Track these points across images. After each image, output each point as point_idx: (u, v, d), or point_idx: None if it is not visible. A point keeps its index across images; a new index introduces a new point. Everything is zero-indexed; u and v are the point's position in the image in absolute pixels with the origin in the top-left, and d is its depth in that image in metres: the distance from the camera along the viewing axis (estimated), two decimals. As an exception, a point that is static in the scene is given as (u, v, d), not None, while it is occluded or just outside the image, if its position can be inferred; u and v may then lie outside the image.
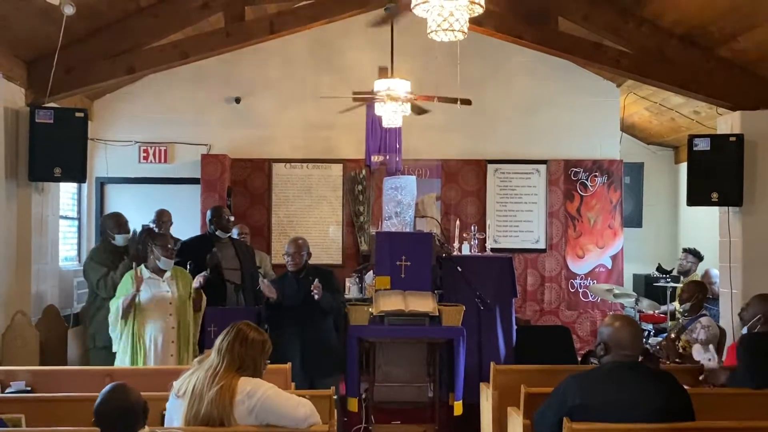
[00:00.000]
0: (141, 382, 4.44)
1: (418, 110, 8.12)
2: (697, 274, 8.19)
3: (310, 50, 9.31)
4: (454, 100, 7.45)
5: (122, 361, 5.51)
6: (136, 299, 5.47)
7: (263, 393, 3.50)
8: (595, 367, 3.89)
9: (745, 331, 5.16)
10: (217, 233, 6.95)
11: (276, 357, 5.54)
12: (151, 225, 7.12)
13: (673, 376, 3.62)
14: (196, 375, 3.55)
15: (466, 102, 7.63)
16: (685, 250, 8.44)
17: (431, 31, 4.21)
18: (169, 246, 5.73)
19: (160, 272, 5.68)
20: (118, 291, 5.62)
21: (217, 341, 3.63)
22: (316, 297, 5.77)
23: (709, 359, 4.90)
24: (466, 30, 4.20)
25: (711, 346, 4.97)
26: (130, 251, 6.42)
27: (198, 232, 8.43)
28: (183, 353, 5.60)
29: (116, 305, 5.50)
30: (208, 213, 7.15)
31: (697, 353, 4.97)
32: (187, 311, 5.69)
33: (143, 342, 5.50)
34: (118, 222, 6.62)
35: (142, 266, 5.70)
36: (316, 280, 5.79)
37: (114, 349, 5.60)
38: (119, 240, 6.53)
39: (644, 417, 3.39)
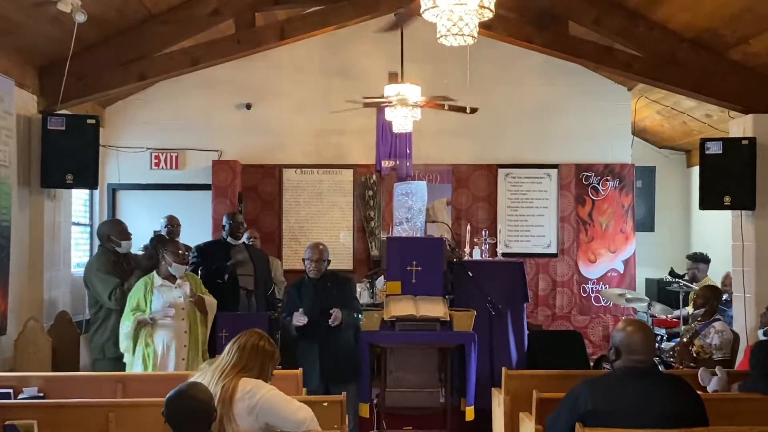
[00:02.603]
0: (153, 388, 4.49)
1: (471, 111, 7.93)
2: (709, 278, 8.13)
3: (321, 56, 9.32)
4: (463, 109, 7.43)
5: (134, 367, 5.54)
6: (148, 310, 5.56)
7: (264, 393, 3.56)
8: (607, 373, 3.88)
9: (761, 335, 5.13)
10: (228, 239, 7.01)
11: (294, 362, 5.60)
12: (163, 230, 7.15)
13: (686, 381, 3.59)
14: (202, 377, 3.60)
15: (474, 110, 7.60)
16: (689, 258, 8.39)
17: (441, 36, 4.20)
18: (180, 252, 5.75)
19: (171, 278, 5.72)
20: (130, 299, 5.65)
21: (230, 343, 3.72)
22: (333, 324, 5.66)
23: (709, 383, 4.85)
24: (475, 34, 4.20)
25: (719, 370, 4.90)
26: (141, 263, 6.34)
27: (209, 238, 8.46)
28: (194, 357, 5.64)
29: (130, 319, 5.53)
30: (223, 218, 7.24)
31: (703, 377, 4.92)
32: (197, 315, 5.74)
33: (153, 348, 5.53)
34: (122, 229, 6.45)
35: (154, 273, 5.73)
36: (335, 310, 5.65)
37: (126, 360, 5.63)
38: (125, 247, 6.43)
39: (657, 422, 3.36)
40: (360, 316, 5.97)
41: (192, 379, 3.62)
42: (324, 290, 5.84)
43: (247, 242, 7.44)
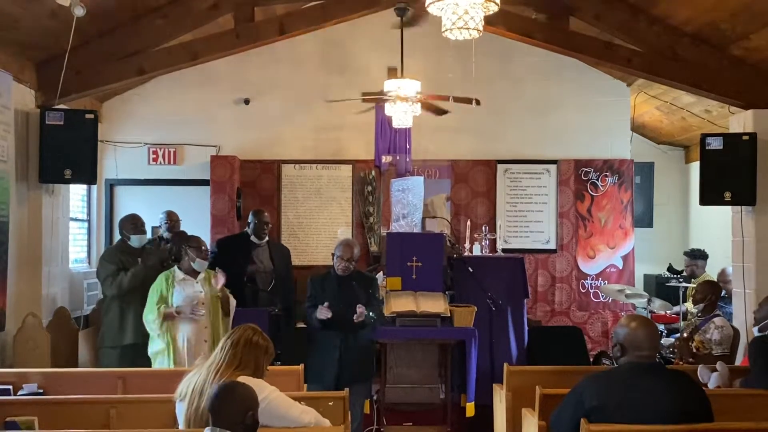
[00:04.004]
0: (153, 384, 4.48)
1: (437, 111, 8.04)
2: (707, 274, 8.14)
3: (320, 51, 9.29)
4: (469, 101, 7.42)
5: (161, 362, 5.57)
6: (170, 302, 5.61)
7: (268, 395, 3.54)
8: (612, 368, 3.87)
9: (756, 332, 5.12)
10: (252, 237, 7.06)
11: (314, 358, 5.60)
12: (162, 226, 7.15)
13: (691, 377, 3.59)
14: (197, 375, 3.57)
15: (477, 102, 7.61)
16: (687, 254, 8.39)
17: (446, 30, 4.17)
18: (203, 248, 5.80)
19: (193, 273, 5.74)
20: (152, 292, 5.67)
21: (222, 339, 3.69)
22: (357, 320, 5.68)
23: (708, 380, 4.84)
24: (481, 28, 4.17)
25: (720, 366, 4.88)
26: (148, 261, 6.39)
27: (208, 234, 8.45)
28: None
29: (154, 313, 5.57)
30: (249, 215, 7.37)
31: (702, 374, 4.91)
32: (218, 311, 5.77)
33: (176, 343, 5.57)
34: (135, 223, 6.61)
35: (175, 267, 5.75)
36: (359, 307, 5.67)
37: (151, 351, 5.68)
38: (134, 241, 6.52)
39: (662, 418, 3.36)
40: (374, 317, 5.93)
41: (184, 380, 3.60)
42: (348, 287, 5.81)
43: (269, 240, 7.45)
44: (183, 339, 5.58)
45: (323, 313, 5.65)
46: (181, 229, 7.18)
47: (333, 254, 5.93)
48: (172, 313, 5.58)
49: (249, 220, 7.30)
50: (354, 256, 5.86)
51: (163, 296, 5.63)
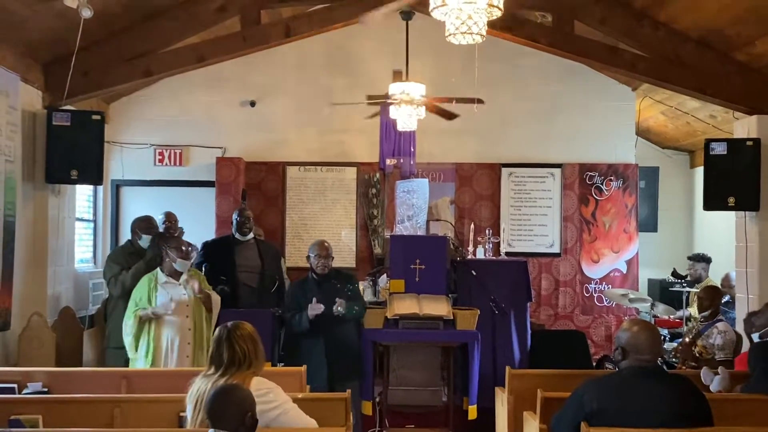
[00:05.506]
0: (157, 384, 4.50)
1: (448, 115, 8.05)
2: (711, 279, 8.14)
3: (325, 54, 9.31)
4: (471, 101, 7.44)
5: (141, 362, 5.56)
6: (153, 303, 5.57)
7: (283, 405, 3.57)
8: (613, 372, 3.88)
9: (756, 338, 5.13)
10: (236, 235, 7.07)
11: (298, 360, 5.63)
12: (161, 227, 7.17)
13: (693, 381, 3.60)
14: (205, 384, 3.54)
15: (480, 102, 7.62)
16: (690, 258, 8.39)
17: (449, 35, 4.18)
18: (184, 248, 5.77)
19: (176, 275, 5.72)
20: (134, 295, 5.68)
21: (219, 353, 3.57)
22: (338, 313, 5.77)
23: (711, 382, 4.85)
24: (484, 33, 4.19)
25: (721, 370, 4.89)
26: (146, 257, 6.45)
27: (213, 235, 8.47)
28: (198, 354, 5.64)
29: (132, 318, 5.55)
30: (233, 214, 7.30)
31: (705, 377, 4.92)
32: (202, 312, 5.75)
33: (160, 344, 5.56)
34: (149, 224, 6.70)
35: (158, 270, 5.74)
36: (338, 299, 5.77)
37: (129, 356, 5.66)
38: (144, 241, 6.59)
39: (662, 422, 3.37)
40: (357, 309, 5.99)
41: (196, 382, 3.60)
42: (328, 288, 5.89)
43: (257, 237, 7.44)
44: (166, 341, 5.57)
45: (314, 308, 5.73)
46: (180, 229, 7.19)
47: (308, 257, 6.02)
48: (148, 315, 5.54)
49: (232, 219, 7.28)
50: (330, 253, 5.98)
51: (143, 300, 5.61)
